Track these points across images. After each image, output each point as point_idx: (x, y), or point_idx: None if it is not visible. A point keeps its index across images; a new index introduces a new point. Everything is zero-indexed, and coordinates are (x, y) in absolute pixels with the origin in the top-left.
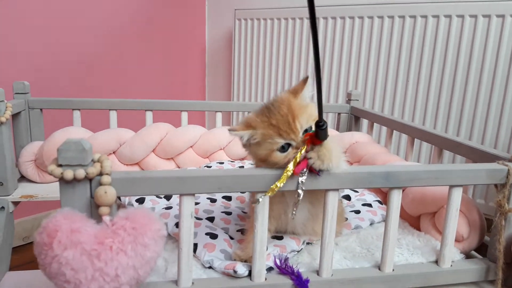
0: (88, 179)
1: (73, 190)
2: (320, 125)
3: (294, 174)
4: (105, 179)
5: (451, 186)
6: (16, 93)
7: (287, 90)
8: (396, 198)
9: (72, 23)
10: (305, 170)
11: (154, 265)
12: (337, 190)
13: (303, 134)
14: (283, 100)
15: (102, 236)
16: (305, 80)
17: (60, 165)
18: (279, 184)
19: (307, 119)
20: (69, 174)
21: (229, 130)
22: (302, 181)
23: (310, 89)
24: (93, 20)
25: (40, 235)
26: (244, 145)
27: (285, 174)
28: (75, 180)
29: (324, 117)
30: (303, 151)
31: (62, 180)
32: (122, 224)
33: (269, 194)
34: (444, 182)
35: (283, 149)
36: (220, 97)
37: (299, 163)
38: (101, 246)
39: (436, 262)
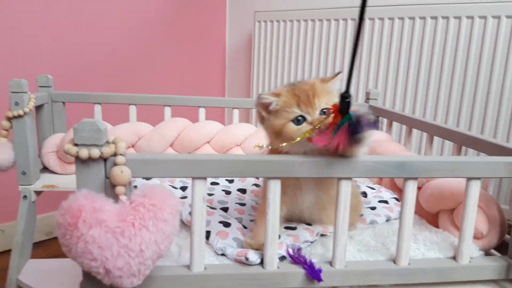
0: (103, 159)
1: (88, 169)
2: (345, 96)
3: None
4: (120, 159)
5: (469, 179)
6: (39, 86)
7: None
8: (411, 189)
9: (96, 20)
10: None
11: (172, 240)
12: (349, 179)
13: (320, 113)
14: (309, 81)
15: (123, 214)
16: (337, 74)
17: (76, 144)
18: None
19: (326, 101)
20: (84, 152)
21: (260, 94)
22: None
23: (338, 83)
24: (116, 19)
25: (63, 216)
26: (262, 119)
27: (303, 135)
28: (90, 159)
29: None
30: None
31: (77, 159)
32: (141, 201)
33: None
34: (461, 174)
35: (298, 122)
36: (239, 96)
37: (321, 135)
38: (124, 223)
39: (454, 258)
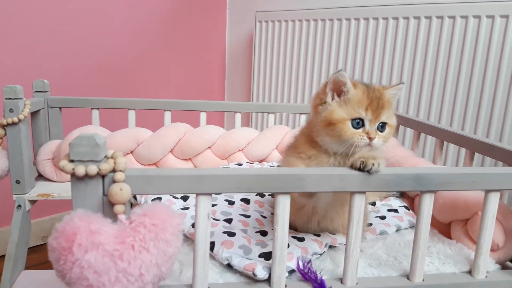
0: (101, 175)
1: (85, 187)
2: None
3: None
4: (119, 176)
5: (488, 191)
6: (35, 91)
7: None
8: (427, 203)
9: (93, 24)
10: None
11: (175, 261)
12: (363, 193)
13: (378, 126)
14: (376, 86)
15: (123, 235)
16: (399, 83)
17: (72, 161)
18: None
19: (387, 115)
20: (80, 170)
21: (340, 70)
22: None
23: (398, 92)
24: (114, 21)
25: (57, 239)
26: (320, 103)
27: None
28: (87, 176)
29: None
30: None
31: (73, 177)
32: (141, 221)
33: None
34: (480, 186)
35: (357, 124)
36: (239, 99)
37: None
38: (123, 245)
39: (470, 272)
